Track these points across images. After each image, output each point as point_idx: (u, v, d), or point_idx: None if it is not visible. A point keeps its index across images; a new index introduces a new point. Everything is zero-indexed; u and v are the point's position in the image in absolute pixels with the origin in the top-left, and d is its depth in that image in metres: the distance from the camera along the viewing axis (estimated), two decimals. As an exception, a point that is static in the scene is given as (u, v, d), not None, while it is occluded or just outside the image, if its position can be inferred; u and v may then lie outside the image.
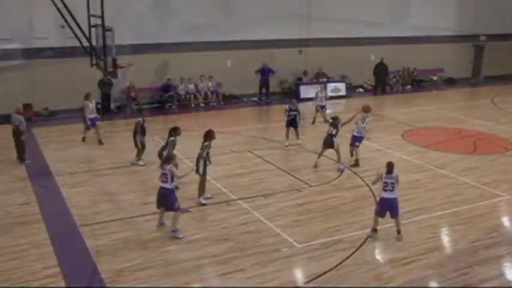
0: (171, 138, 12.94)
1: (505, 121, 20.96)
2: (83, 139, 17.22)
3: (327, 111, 20.15)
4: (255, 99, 24.35)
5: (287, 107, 17.06)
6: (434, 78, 29.71)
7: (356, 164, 14.99)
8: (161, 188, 10.58)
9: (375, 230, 10.66)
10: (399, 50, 27.62)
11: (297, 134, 17.14)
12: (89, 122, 16.97)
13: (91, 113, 17.01)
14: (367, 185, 13.54)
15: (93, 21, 15.78)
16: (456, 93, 28.12)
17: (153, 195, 12.67)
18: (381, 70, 27.02)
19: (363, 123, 15.01)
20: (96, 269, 9.37)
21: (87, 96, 17.03)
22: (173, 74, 22.84)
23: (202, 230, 10.98)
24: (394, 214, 10.54)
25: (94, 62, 16.39)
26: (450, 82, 29.93)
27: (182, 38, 22.59)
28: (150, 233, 10.80)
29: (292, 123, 16.93)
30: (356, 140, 15.13)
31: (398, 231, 10.63)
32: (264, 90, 24.45)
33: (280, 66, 24.96)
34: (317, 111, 19.90)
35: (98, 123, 17.26)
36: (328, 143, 14.63)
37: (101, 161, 15.39)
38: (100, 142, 17.06)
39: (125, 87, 21.91)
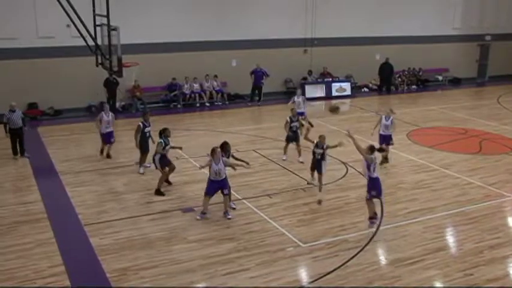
0: (159, 140, 12.96)
1: (511, 121, 20.85)
2: (101, 152, 15.70)
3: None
4: (258, 98, 24.29)
5: (288, 118, 15.26)
6: (440, 78, 29.63)
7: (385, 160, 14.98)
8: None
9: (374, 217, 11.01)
10: (405, 49, 27.58)
11: (299, 151, 15.30)
12: (103, 137, 15.48)
13: (106, 128, 15.40)
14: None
15: (99, 20, 15.80)
16: (461, 93, 28.02)
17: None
18: (386, 70, 26.96)
19: (387, 121, 15.07)
20: (100, 268, 9.39)
21: (102, 108, 15.97)
22: (178, 73, 22.87)
23: (207, 229, 10.98)
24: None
25: (99, 61, 16.39)
26: (456, 82, 29.84)
27: (187, 38, 22.62)
28: (155, 232, 10.81)
29: (293, 138, 15.30)
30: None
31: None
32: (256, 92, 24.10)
33: (285, 65, 24.99)
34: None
35: (112, 140, 15.64)
36: (316, 168, 12.98)
37: (106, 160, 15.42)
38: (108, 156, 15.62)
39: (130, 86, 21.93)
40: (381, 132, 15.09)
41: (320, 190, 12.70)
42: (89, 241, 10.38)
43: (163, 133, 13.10)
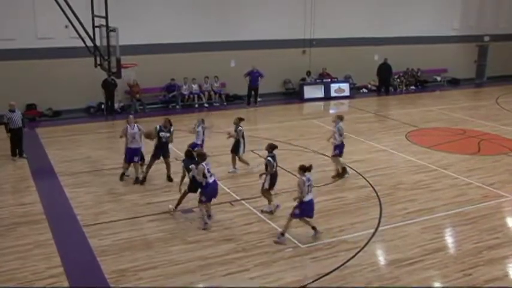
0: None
1: (509, 122, 20.89)
2: (121, 177, 13.82)
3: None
4: (260, 99, 24.30)
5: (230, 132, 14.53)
6: (438, 78, 29.67)
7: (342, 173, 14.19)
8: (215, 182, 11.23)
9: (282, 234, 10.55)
10: (403, 50, 27.60)
11: (241, 161, 14.42)
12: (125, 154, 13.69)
13: (131, 142, 13.45)
14: (371, 185, 13.54)
15: (98, 21, 15.81)
16: (460, 93, 28.06)
17: (157, 195, 12.82)
18: (384, 70, 26.98)
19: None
20: (99, 269, 9.39)
21: (127, 121, 13.72)
22: (177, 74, 22.88)
23: (206, 230, 10.97)
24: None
25: (98, 62, 16.39)
26: (454, 82, 29.88)
27: (186, 39, 22.63)
28: (153, 233, 10.82)
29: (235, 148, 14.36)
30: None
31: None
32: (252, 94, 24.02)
33: (284, 66, 25.01)
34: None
35: (136, 159, 13.60)
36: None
37: (105, 161, 15.42)
38: (139, 181, 13.54)
39: (126, 84, 21.89)
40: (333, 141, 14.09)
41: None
42: (88, 242, 10.38)
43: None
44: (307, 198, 10.38)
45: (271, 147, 11.87)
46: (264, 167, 11.97)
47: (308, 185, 10.33)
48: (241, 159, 14.49)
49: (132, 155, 13.53)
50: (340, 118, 14.13)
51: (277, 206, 11.83)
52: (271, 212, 11.74)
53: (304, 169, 10.34)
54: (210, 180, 11.09)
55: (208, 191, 11.12)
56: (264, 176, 11.80)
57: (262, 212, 11.79)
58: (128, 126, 13.54)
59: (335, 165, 14.27)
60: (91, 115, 21.56)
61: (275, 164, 11.75)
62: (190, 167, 11.25)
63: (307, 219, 10.66)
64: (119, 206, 12.24)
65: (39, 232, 10.78)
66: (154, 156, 13.61)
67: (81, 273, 9.45)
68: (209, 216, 11.29)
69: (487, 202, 12.67)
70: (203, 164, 11.00)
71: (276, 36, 24.48)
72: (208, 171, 11.04)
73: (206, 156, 11.30)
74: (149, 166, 13.66)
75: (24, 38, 19.97)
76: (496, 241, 10.63)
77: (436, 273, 9.40)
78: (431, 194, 13.16)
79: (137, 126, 13.64)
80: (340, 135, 13.88)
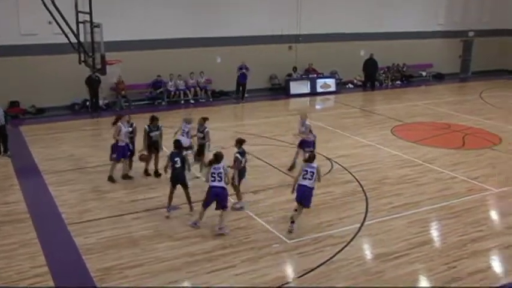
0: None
1: (493, 116, 21.10)
2: (110, 178, 13.46)
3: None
4: (247, 95, 24.28)
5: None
6: (424, 73, 29.87)
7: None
8: (215, 187, 10.49)
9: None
10: (389, 45, 27.72)
11: (202, 164, 13.51)
12: (113, 155, 13.42)
13: (122, 141, 13.32)
14: (357, 180, 13.61)
15: (82, 17, 15.66)
16: (445, 88, 28.30)
17: (142, 192, 12.77)
18: (370, 66, 27.08)
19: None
20: (85, 268, 9.32)
21: (118, 119, 13.46)
22: (163, 70, 22.77)
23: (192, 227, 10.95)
24: (302, 200, 10.67)
25: (82, 58, 16.26)
26: (439, 77, 30.10)
27: (172, 35, 22.50)
28: (139, 231, 10.76)
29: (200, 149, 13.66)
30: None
31: (293, 221, 10.67)
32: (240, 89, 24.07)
33: (270, 62, 24.99)
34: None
35: (125, 155, 13.46)
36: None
37: (89, 159, 15.31)
38: (127, 176, 13.57)
39: (113, 83, 21.79)
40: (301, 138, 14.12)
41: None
42: (73, 240, 10.30)
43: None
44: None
45: (240, 143, 11.78)
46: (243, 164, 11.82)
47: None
48: (201, 161, 13.58)
49: (123, 152, 13.42)
50: (306, 116, 14.22)
51: (242, 207, 11.78)
52: (241, 208, 11.68)
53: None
54: (212, 184, 10.53)
55: (206, 195, 10.74)
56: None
57: (232, 209, 11.63)
58: (122, 125, 13.38)
59: (299, 157, 14.01)
60: (75, 112, 21.38)
61: (243, 160, 11.68)
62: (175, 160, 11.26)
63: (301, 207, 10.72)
64: (103, 203, 12.16)
65: (24, 231, 10.67)
66: (149, 153, 13.63)
67: (66, 272, 9.37)
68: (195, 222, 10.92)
69: (472, 196, 12.79)
70: (214, 166, 10.53)
71: (262, 32, 24.45)
72: (212, 175, 10.49)
73: (220, 158, 10.62)
74: (148, 161, 13.63)
75: (7, 34, 19.68)
76: (480, 234, 10.74)
77: (422, 267, 9.47)
78: (417, 188, 13.25)
79: (131, 124, 13.66)
80: (311, 131, 13.95)
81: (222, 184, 10.50)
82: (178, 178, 11.39)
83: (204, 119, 13.74)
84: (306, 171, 10.64)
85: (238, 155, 11.59)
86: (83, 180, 13.68)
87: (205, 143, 13.53)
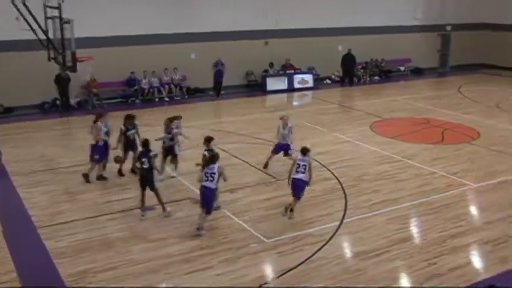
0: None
1: (471, 110, 21.41)
2: (85, 176, 13.26)
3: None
4: (223, 92, 24.22)
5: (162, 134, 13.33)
6: (402, 68, 30.16)
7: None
8: (204, 187, 10.46)
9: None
10: (367, 40, 27.90)
11: (176, 163, 13.66)
12: (96, 155, 13.20)
13: (101, 140, 13.20)
14: (336, 177, 13.67)
15: (50, 12, 15.41)
16: (424, 83, 28.64)
17: (116, 193, 12.63)
18: (348, 61, 27.22)
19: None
20: (56, 272, 9.18)
21: (98, 118, 13.36)
22: (136, 67, 22.57)
23: (168, 227, 10.88)
24: (296, 193, 11.15)
25: (52, 56, 16.03)
26: (418, 72, 30.42)
27: (145, 30, 22.35)
28: (113, 233, 10.65)
29: (169, 150, 13.43)
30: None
31: (291, 209, 11.29)
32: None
33: (245, 58, 24.95)
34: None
35: (104, 156, 13.32)
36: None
37: (61, 160, 15.10)
38: (102, 177, 13.43)
39: (85, 82, 21.53)
40: (278, 141, 14.03)
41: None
42: (44, 244, 10.14)
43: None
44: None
45: (208, 140, 11.85)
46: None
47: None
48: (174, 161, 13.63)
49: (104, 152, 13.27)
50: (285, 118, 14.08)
51: (219, 207, 11.77)
52: (218, 208, 11.59)
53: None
54: (203, 183, 10.47)
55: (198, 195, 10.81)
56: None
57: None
58: (101, 123, 13.24)
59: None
60: (45, 111, 21.07)
61: None
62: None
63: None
64: (76, 205, 12.00)
65: (-9, 236, 10.48)
66: (125, 153, 13.50)
67: (37, 277, 9.20)
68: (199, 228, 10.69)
69: (451, 191, 12.95)
70: (210, 166, 10.49)
71: (238, 27, 24.39)
72: (206, 175, 10.44)
73: (216, 159, 10.65)
74: (123, 162, 13.50)
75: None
76: (460, 229, 10.88)
77: (402, 264, 9.55)
78: (396, 185, 13.36)
79: (106, 122, 13.49)
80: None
81: (211, 185, 10.43)
82: (145, 179, 11.26)
83: (171, 120, 13.60)
84: (299, 164, 11.02)
85: (206, 152, 11.59)
86: (55, 181, 13.49)
87: (174, 145, 13.39)
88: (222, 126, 18.81)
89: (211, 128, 18.15)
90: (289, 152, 13.84)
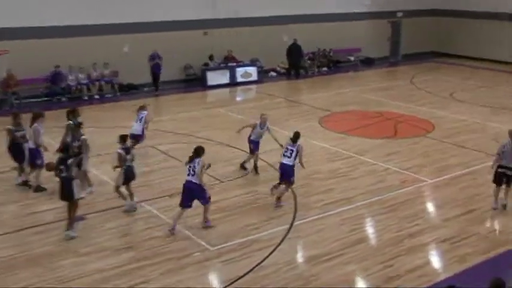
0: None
1: (425, 102, 22.06)
2: (38, 188, 12.94)
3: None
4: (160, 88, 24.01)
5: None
6: (352, 58, 30.69)
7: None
8: (187, 181, 10.82)
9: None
10: (313, 29, 28.24)
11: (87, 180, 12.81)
12: (38, 160, 12.88)
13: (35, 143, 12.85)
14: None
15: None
16: (375, 73, 29.29)
17: (41, 203, 12.25)
18: (294, 52, 27.43)
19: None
20: (-26, 295, 8.85)
21: (35, 119, 12.95)
22: (60, 62, 21.97)
23: (100, 239, 10.66)
24: (285, 177, 12.07)
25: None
26: (368, 62, 31.02)
27: (71, 21, 21.83)
28: (40, 247, 10.35)
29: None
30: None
31: (278, 198, 12.12)
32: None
33: (183, 50, 24.76)
34: None
35: (39, 162, 12.88)
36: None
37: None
38: (39, 188, 12.93)
39: (2, 78, 20.81)
40: (252, 138, 14.14)
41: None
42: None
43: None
44: None
45: (123, 139, 11.92)
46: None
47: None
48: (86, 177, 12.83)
49: (38, 158, 12.92)
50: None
51: (135, 208, 11.83)
52: (134, 210, 11.73)
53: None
54: (186, 178, 10.88)
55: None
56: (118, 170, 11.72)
57: (124, 211, 11.78)
58: (38, 125, 12.90)
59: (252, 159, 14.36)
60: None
61: (128, 158, 11.69)
62: None
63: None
64: (-6, 218, 11.59)
65: None
66: None
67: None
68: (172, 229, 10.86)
69: (406, 188, 13.28)
70: (194, 160, 10.80)
71: (174, 17, 24.18)
72: (188, 169, 10.81)
73: (200, 153, 10.87)
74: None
75: None
76: (417, 228, 11.17)
77: (356, 267, 9.71)
78: (349, 183, 13.59)
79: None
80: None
81: (193, 179, 10.72)
82: (62, 188, 10.82)
83: (80, 124, 13.04)
84: (287, 149, 12.12)
85: (121, 151, 11.62)
86: (-33, 193, 12.97)
87: (80, 155, 12.13)
88: (159, 125, 18.54)
89: (148, 128, 17.91)
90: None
